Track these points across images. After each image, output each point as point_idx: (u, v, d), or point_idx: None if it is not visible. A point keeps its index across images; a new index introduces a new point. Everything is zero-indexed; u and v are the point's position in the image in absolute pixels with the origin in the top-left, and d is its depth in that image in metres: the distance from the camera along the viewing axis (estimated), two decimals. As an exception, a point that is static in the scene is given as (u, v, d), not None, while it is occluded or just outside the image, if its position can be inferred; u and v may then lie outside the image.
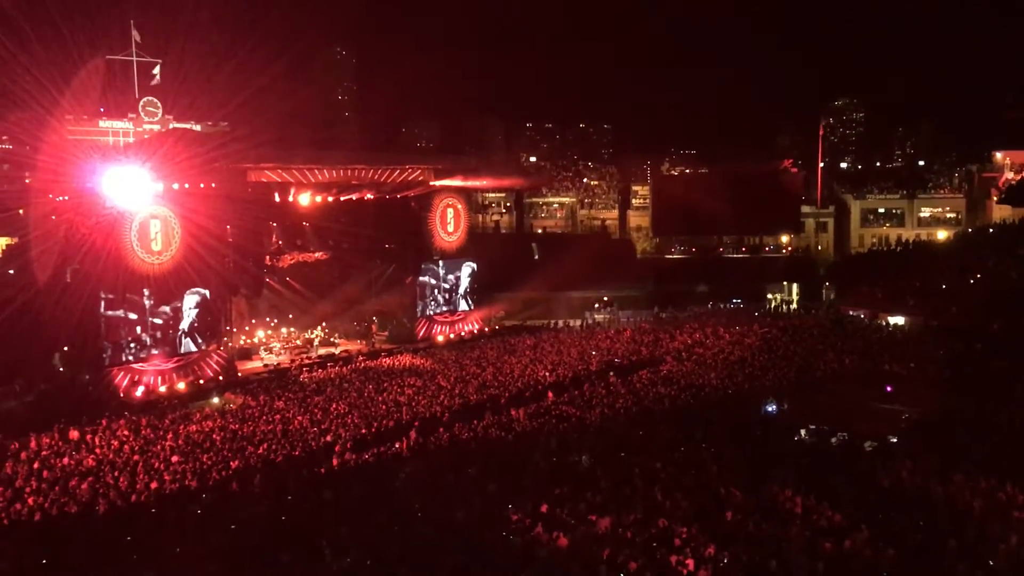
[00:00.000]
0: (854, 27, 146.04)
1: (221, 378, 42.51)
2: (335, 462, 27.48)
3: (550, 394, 36.72)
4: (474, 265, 58.25)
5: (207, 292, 42.76)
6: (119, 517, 22.13)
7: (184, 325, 41.89)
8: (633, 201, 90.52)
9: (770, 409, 33.48)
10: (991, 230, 67.43)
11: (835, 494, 21.11)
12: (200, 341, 42.60)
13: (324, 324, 53.47)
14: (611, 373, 40.68)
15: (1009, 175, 77.27)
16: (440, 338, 54.65)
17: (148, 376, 40.21)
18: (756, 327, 50.54)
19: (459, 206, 56.83)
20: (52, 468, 26.78)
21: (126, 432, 31.38)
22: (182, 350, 41.92)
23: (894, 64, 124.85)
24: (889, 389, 35.74)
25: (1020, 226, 63.20)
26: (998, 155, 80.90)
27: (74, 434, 30.68)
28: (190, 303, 42.15)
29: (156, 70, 45.77)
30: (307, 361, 47.10)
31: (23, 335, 37.74)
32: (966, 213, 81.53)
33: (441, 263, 56.39)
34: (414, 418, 32.82)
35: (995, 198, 76.40)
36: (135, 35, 45.94)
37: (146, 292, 40.28)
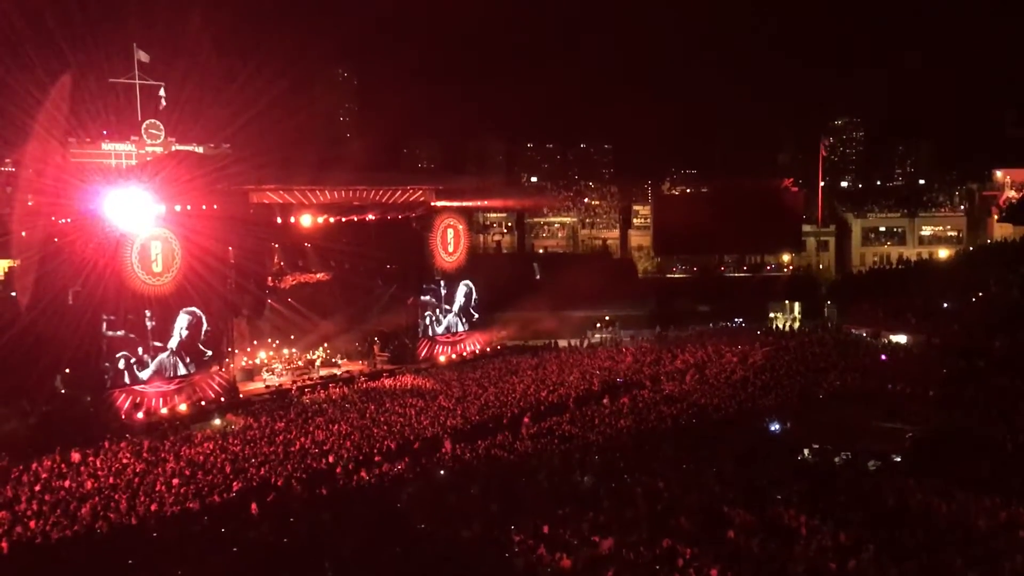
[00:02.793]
0: (854, 46, 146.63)
1: (223, 399, 42.41)
2: (337, 483, 27.39)
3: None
4: (467, 287, 58.18)
5: (199, 312, 42.53)
6: (121, 539, 22.05)
7: (172, 344, 41.65)
8: (634, 220, 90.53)
9: (773, 428, 33.44)
10: (992, 248, 67.43)
11: (839, 513, 21.05)
12: (189, 361, 42.29)
13: (326, 345, 53.40)
14: (613, 392, 40.60)
15: (1010, 193, 77.34)
16: (442, 358, 54.60)
17: (149, 398, 40.13)
18: (758, 346, 50.50)
19: (460, 227, 56.93)
20: (54, 491, 26.73)
21: (128, 454, 31.33)
22: (172, 372, 41.60)
23: (894, 82, 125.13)
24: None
25: (1021, 244, 63.17)
26: (998, 173, 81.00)
27: (76, 456, 30.62)
28: (181, 323, 41.93)
29: (162, 92, 46.01)
30: (309, 382, 47.06)
31: (25, 357, 37.74)
32: (967, 231, 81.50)
33: (442, 283, 56.41)
34: (416, 438, 32.76)
35: (996, 216, 76.45)
36: (139, 56, 46.19)
37: (148, 314, 40.26)
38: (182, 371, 41.78)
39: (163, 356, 41.17)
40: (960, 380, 40.01)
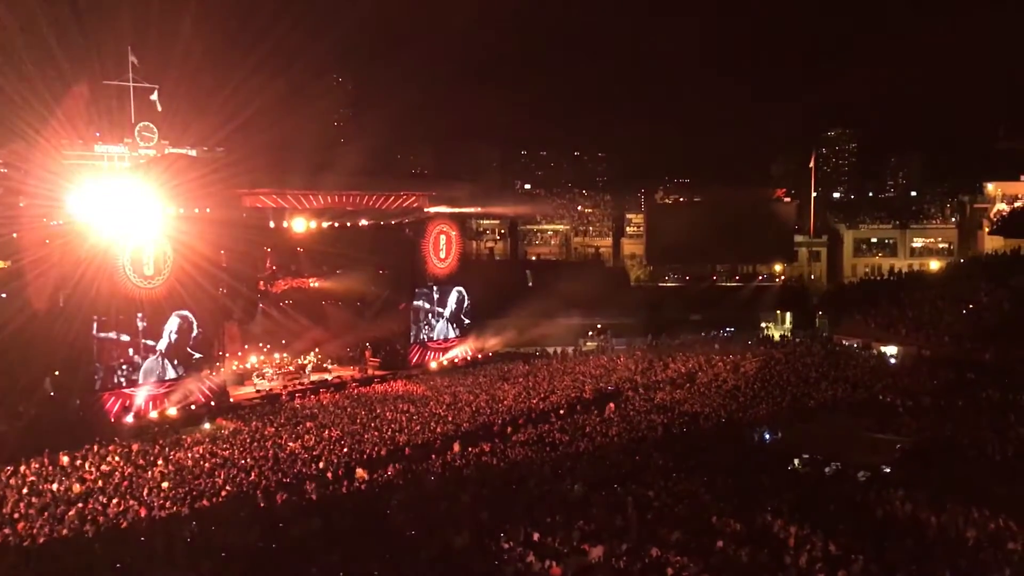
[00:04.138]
0: (847, 58, 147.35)
1: (213, 403, 42.27)
2: (327, 489, 27.31)
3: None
4: (459, 293, 58.19)
5: (190, 315, 42.38)
6: (108, 544, 21.93)
7: (161, 346, 41.48)
8: (627, 229, 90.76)
9: (764, 438, 33.48)
10: (983, 261, 67.69)
11: (829, 524, 21.05)
12: (177, 364, 42.07)
13: (317, 350, 53.33)
14: (604, 400, 40.61)
15: (1001, 206, 77.70)
16: (433, 364, 54.55)
17: (139, 401, 39.98)
18: (749, 356, 50.58)
19: (452, 233, 56.93)
20: (41, 494, 26.60)
21: (116, 457, 31.20)
22: (162, 375, 41.46)
23: (886, 94, 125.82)
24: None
25: (1012, 257, 63.50)
26: (990, 186, 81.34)
27: (64, 459, 30.47)
28: (171, 326, 41.74)
29: (155, 95, 45.79)
30: (300, 387, 46.98)
31: (15, 359, 37.57)
32: (958, 244, 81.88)
33: (435, 289, 56.39)
34: (407, 444, 32.73)
35: (987, 229, 76.81)
36: (132, 59, 46.01)
37: (139, 316, 40.15)
38: (171, 374, 41.59)
39: (152, 359, 41.00)
40: (950, 391, 40.19)
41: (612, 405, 39.28)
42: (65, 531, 23.07)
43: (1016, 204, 76.01)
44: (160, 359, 41.31)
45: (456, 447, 32.12)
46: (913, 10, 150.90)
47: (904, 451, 31.19)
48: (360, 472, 28.80)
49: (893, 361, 47.96)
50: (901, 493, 24.02)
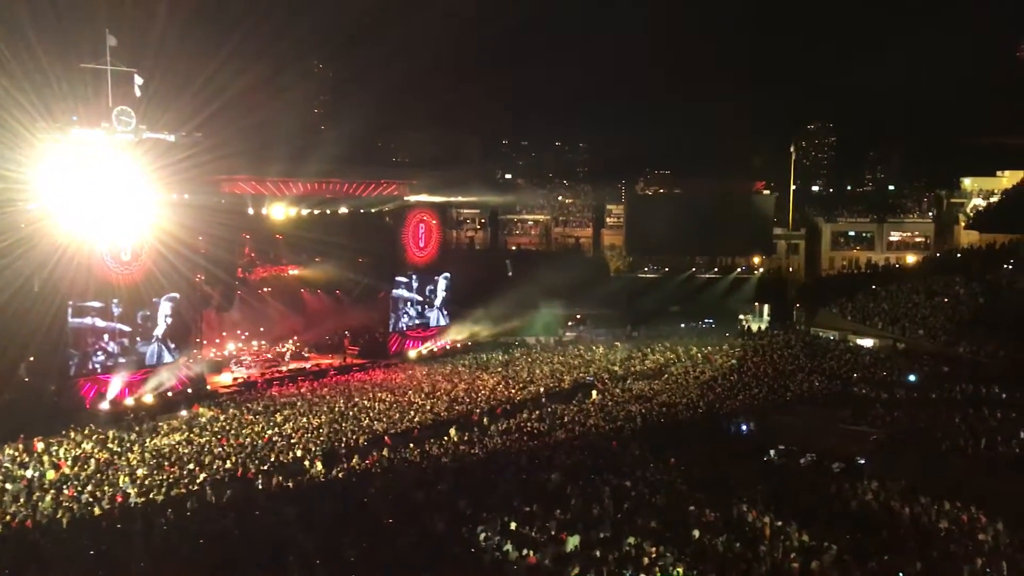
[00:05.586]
0: (827, 51, 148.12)
1: (190, 391, 42.06)
2: (304, 477, 27.25)
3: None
4: (447, 280, 58.26)
5: (179, 298, 42.30)
6: (83, 531, 21.78)
7: (159, 332, 41.46)
8: (607, 220, 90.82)
9: (740, 429, 33.69)
10: (959, 255, 68.32)
11: (803, 514, 21.24)
12: (173, 347, 42.16)
13: (296, 337, 53.13)
14: (583, 390, 40.75)
15: (977, 201, 78.44)
16: (412, 353, 54.50)
17: (115, 387, 39.71)
18: (727, 347, 50.85)
19: (432, 221, 56.86)
20: (15, 480, 26.37)
21: (92, 444, 30.98)
22: (155, 359, 41.41)
23: (865, 89, 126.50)
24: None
25: (987, 251, 64.12)
26: (966, 181, 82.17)
27: (38, 445, 30.23)
28: (166, 309, 41.65)
29: (137, 80, 45.13)
30: (278, 375, 46.79)
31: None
32: (934, 238, 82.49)
33: (414, 277, 56.30)
34: (385, 433, 32.68)
35: (963, 223, 77.51)
36: (110, 40, 45.32)
37: (115, 301, 39.84)
38: (167, 359, 41.68)
39: (152, 344, 41.09)
40: (924, 385, 40.60)
41: (594, 394, 39.44)
42: (40, 518, 22.88)
43: (992, 199, 76.80)
44: (158, 344, 41.33)
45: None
46: (894, 5, 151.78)
47: (878, 443, 31.52)
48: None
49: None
50: (875, 484, 24.27)
